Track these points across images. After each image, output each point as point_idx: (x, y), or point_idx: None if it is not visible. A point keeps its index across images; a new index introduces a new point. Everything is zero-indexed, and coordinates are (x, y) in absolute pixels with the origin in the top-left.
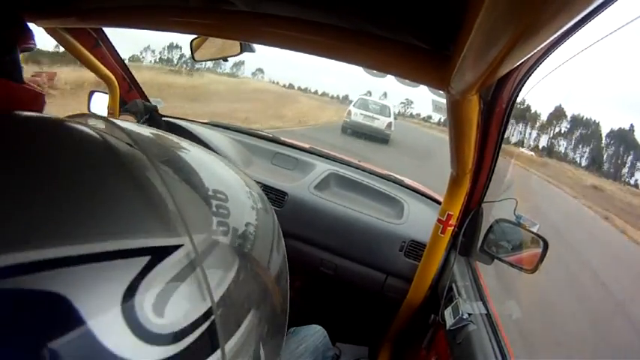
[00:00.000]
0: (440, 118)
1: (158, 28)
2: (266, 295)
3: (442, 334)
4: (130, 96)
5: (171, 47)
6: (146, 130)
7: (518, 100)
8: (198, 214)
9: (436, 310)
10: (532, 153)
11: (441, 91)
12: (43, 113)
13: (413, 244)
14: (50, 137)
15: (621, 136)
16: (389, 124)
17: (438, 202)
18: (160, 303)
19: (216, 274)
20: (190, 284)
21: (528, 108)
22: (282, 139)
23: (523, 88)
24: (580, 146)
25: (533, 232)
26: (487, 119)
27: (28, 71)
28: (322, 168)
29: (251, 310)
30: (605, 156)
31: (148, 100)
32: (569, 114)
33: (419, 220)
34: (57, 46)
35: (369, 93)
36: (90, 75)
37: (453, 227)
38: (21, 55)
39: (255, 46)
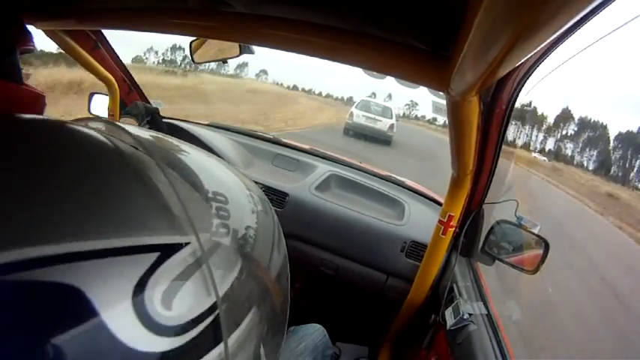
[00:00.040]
0: (445, 121)
1: (157, 30)
2: (267, 295)
3: (442, 334)
4: (130, 98)
5: (175, 48)
6: (146, 133)
7: (525, 101)
8: (201, 214)
9: (437, 310)
10: (544, 158)
11: (440, 93)
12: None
13: (414, 245)
14: (59, 139)
15: (629, 139)
16: (391, 126)
17: (439, 204)
18: (167, 297)
19: (220, 272)
20: (196, 280)
21: (535, 110)
22: (284, 140)
23: (523, 89)
24: (587, 149)
25: (534, 234)
26: (487, 120)
27: None
28: (323, 169)
29: (252, 308)
30: (612, 159)
31: (149, 102)
32: (575, 115)
33: (420, 221)
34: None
35: (374, 95)
36: (64, 78)
37: (454, 228)
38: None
39: (261, 48)
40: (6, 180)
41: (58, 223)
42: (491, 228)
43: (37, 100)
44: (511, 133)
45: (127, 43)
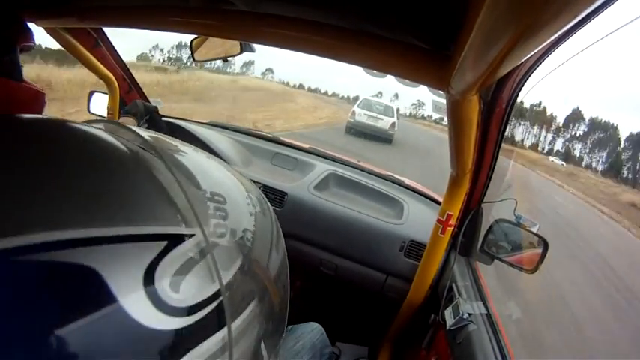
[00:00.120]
0: None
1: (158, 28)
2: (266, 293)
3: (442, 334)
4: (130, 96)
5: (180, 46)
6: (149, 134)
7: (534, 101)
8: (203, 211)
9: (436, 309)
10: (562, 163)
11: (441, 91)
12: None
13: (413, 244)
14: (73, 137)
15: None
16: (392, 125)
17: (438, 203)
18: (175, 281)
19: (223, 263)
20: (201, 268)
21: (544, 110)
22: (282, 139)
23: (523, 88)
24: (596, 150)
25: (533, 233)
26: (487, 119)
27: None
28: (322, 168)
29: (253, 300)
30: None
31: (148, 101)
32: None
33: (419, 221)
34: None
35: (380, 94)
36: (31, 75)
37: (452, 227)
38: None
39: (267, 47)
40: (28, 171)
41: (77, 211)
42: (490, 227)
43: (37, 98)
44: (521, 133)
45: (133, 41)
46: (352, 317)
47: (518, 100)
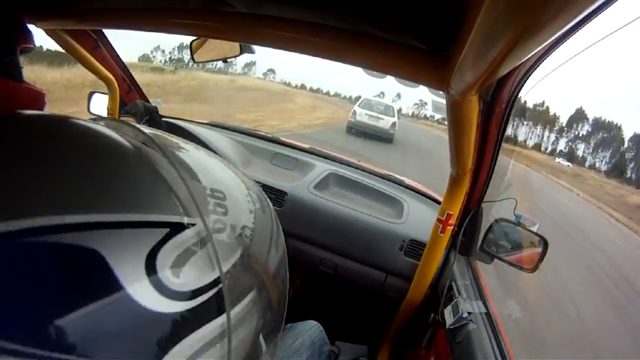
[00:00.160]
0: None
1: (158, 29)
2: (264, 288)
3: (442, 333)
4: (130, 97)
5: (182, 47)
6: (151, 131)
7: (537, 101)
8: (203, 206)
9: (436, 309)
10: (568, 164)
11: (440, 92)
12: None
13: (413, 244)
14: (77, 132)
15: None
16: (393, 124)
17: (438, 202)
18: (176, 267)
19: (222, 254)
20: (202, 256)
21: (547, 110)
22: (282, 139)
23: (523, 88)
24: (600, 150)
25: (533, 232)
26: (487, 119)
27: None
28: (322, 168)
29: (251, 292)
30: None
31: (148, 101)
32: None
33: (419, 220)
34: None
35: (382, 94)
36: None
37: (452, 227)
38: None
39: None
40: (35, 161)
41: (82, 197)
42: (490, 226)
43: (37, 98)
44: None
45: (135, 42)
46: (352, 316)
47: (522, 99)
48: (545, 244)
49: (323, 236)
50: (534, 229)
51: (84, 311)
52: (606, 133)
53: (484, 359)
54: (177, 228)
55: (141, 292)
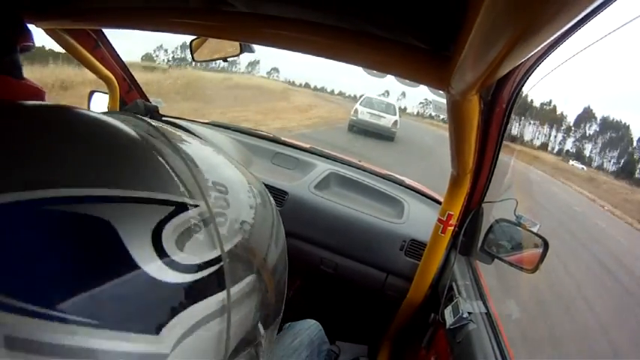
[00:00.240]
0: None
1: (158, 29)
2: (262, 282)
3: (442, 333)
4: (130, 96)
5: (184, 47)
6: (156, 123)
7: (546, 101)
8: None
9: (436, 309)
10: (582, 167)
11: (441, 92)
12: None
13: (413, 244)
14: (83, 118)
15: None
16: (395, 122)
17: (438, 202)
18: (180, 241)
19: (224, 236)
20: (204, 235)
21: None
22: (283, 138)
23: (523, 88)
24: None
25: (533, 232)
26: (487, 119)
27: None
28: (322, 167)
29: (250, 276)
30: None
31: (148, 100)
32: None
33: (419, 220)
34: None
35: (387, 92)
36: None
37: (453, 227)
38: None
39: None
40: (51, 143)
41: (94, 173)
42: (491, 227)
43: (37, 95)
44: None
45: (138, 41)
46: (352, 316)
47: (529, 99)
48: (545, 245)
49: (323, 236)
50: (535, 229)
51: (93, 275)
52: (614, 132)
53: (484, 359)
54: (181, 207)
55: (147, 261)
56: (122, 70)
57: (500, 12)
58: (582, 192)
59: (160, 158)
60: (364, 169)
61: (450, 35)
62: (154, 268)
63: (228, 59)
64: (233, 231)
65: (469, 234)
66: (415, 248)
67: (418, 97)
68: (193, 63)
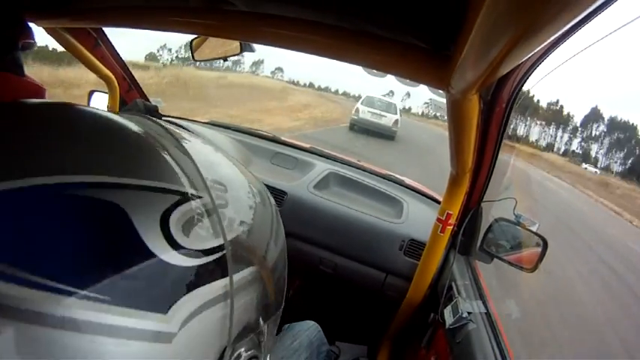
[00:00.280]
0: None
1: (158, 28)
2: (262, 281)
3: (442, 333)
4: (130, 95)
5: (188, 46)
6: (157, 121)
7: (553, 101)
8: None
9: (436, 308)
10: (596, 170)
11: (441, 91)
12: None
13: (412, 243)
14: (91, 115)
15: None
16: (396, 122)
17: (438, 202)
18: (186, 228)
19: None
20: (208, 223)
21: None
22: (282, 138)
23: (523, 88)
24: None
25: (532, 232)
26: (487, 119)
27: None
28: (322, 167)
29: (250, 267)
30: None
31: (148, 100)
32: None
33: (418, 220)
34: None
35: (392, 92)
36: None
37: (452, 226)
38: None
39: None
40: (67, 134)
41: (106, 162)
42: (490, 226)
43: (38, 93)
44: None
45: (142, 41)
46: (351, 316)
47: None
48: (544, 244)
49: (323, 236)
50: (534, 228)
51: (108, 255)
52: (622, 133)
53: (484, 359)
54: (186, 197)
55: (156, 244)
56: (122, 69)
57: (500, 12)
58: (603, 202)
59: (165, 152)
60: (363, 169)
61: (451, 35)
62: (162, 250)
63: (228, 58)
64: (231, 228)
65: (468, 233)
66: (414, 248)
67: (423, 98)
68: (197, 63)
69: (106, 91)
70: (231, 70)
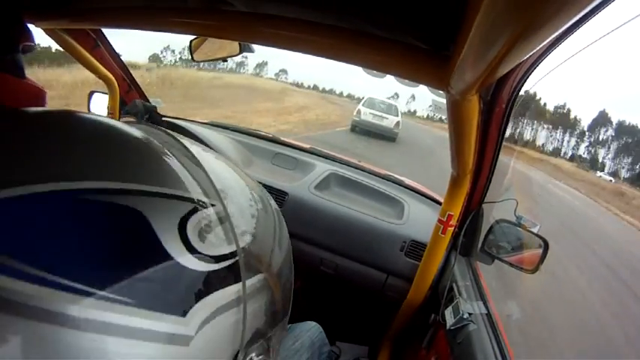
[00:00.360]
0: None
1: (157, 28)
2: (270, 289)
3: (442, 334)
4: (130, 96)
5: None
6: (170, 132)
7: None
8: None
9: (436, 309)
10: (611, 179)
11: (441, 91)
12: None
13: (413, 244)
14: (101, 124)
15: None
16: (397, 123)
17: (439, 203)
18: (202, 234)
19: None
20: (222, 230)
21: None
22: (283, 139)
23: (523, 88)
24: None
25: (533, 233)
26: (487, 119)
27: None
28: (322, 168)
29: (260, 274)
30: None
31: (148, 100)
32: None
33: (419, 221)
34: None
35: (397, 95)
36: None
37: (453, 227)
38: None
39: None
40: (88, 142)
41: (126, 170)
42: (491, 227)
43: (38, 94)
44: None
45: (145, 42)
46: (352, 317)
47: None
48: (545, 245)
49: (323, 236)
50: (535, 230)
51: (129, 259)
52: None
53: None
54: (201, 205)
55: (175, 249)
56: (121, 70)
57: (499, 11)
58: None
59: (178, 161)
60: (364, 170)
61: (450, 35)
62: (180, 254)
63: (232, 60)
64: (241, 236)
65: (469, 234)
66: (415, 249)
67: (428, 101)
68: (200, 64)
69: (106, 91)
70: (235, 71)
